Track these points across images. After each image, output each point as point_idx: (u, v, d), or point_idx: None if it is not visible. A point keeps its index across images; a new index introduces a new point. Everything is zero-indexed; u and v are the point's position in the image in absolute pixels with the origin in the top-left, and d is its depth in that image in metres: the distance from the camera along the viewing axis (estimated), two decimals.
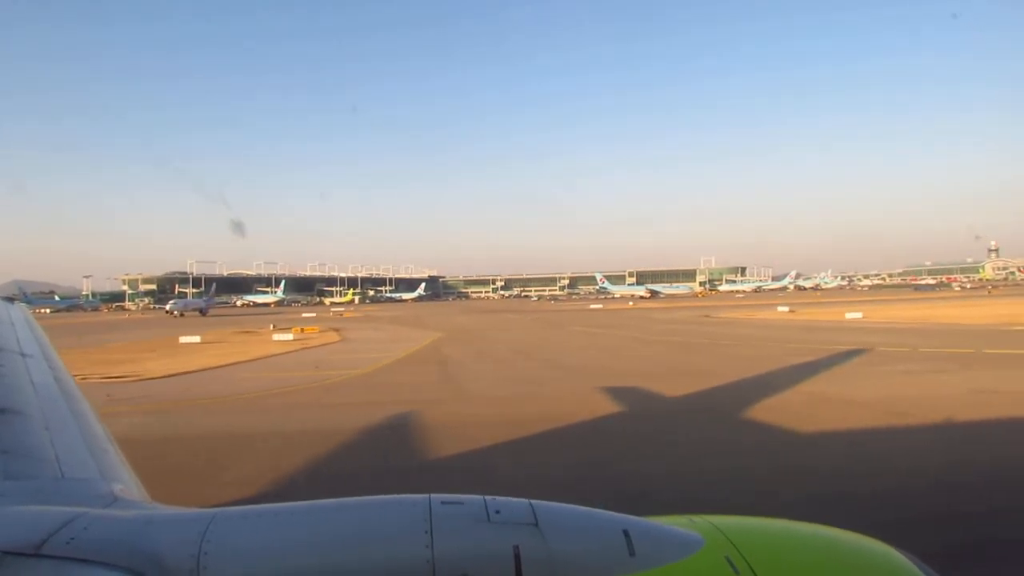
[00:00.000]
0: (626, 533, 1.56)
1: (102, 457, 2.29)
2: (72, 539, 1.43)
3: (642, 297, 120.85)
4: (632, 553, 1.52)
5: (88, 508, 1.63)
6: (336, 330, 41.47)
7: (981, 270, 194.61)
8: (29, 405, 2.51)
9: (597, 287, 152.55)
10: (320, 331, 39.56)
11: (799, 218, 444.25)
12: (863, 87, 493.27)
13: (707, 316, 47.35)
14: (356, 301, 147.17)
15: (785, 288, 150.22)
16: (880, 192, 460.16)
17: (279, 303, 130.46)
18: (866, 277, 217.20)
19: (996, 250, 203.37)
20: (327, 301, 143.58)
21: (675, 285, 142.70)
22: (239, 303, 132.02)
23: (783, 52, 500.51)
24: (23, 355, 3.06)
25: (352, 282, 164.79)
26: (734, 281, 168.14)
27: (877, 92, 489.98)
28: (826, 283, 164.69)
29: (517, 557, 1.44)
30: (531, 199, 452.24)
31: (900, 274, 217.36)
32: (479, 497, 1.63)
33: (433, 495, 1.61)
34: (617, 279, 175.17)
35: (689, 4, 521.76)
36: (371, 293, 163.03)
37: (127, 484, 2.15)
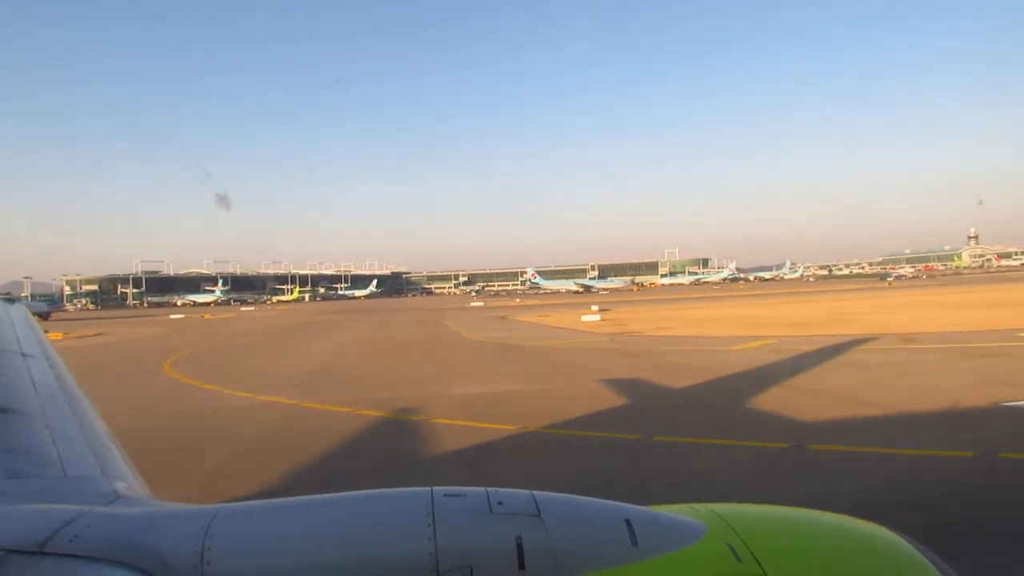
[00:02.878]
0: (628, 522, 1.54)
1: (104, 455, 2.26)
2: (75, 537, 1.41)
3: (575, 292, 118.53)
4: (634, 542, 1.50)
5: (91, 506, 1.62)
6: (101, 334, 40.24)
7: (957, 258, 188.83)
8: (30, 404, 2.52)
9: (529, 282, 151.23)
10: (62, 336, 38.10)
11: (776, 210, 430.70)
12: (856, 81, 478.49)
13: (502, 318, 44.96)
14: (306, 299, 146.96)
15: (737, 280, 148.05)
16: (861, 182, 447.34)
17: (218, 302, 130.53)
18: (847, 266, 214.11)
19: (976, 237, 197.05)
20: (274, 299, 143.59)
21: (610, 279, 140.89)
22: (179, 303, 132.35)
23: (762, 50, 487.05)
24: (24, 355, 3.04)
25: (303, 280, 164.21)
26: (696, 273, 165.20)
27: (870, 83, 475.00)
28: (785, 274, 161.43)
29: (520, 548, 1.42)
30: (499, 195, 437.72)
31: (880, 263, 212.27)
32: (481, 489, 1.60)
33: (435, 487, 1.59)
34: (579, 272, 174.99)
35: (651, 5, 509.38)
36: (321, 291, 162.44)
37: (130, 482, 2.12)
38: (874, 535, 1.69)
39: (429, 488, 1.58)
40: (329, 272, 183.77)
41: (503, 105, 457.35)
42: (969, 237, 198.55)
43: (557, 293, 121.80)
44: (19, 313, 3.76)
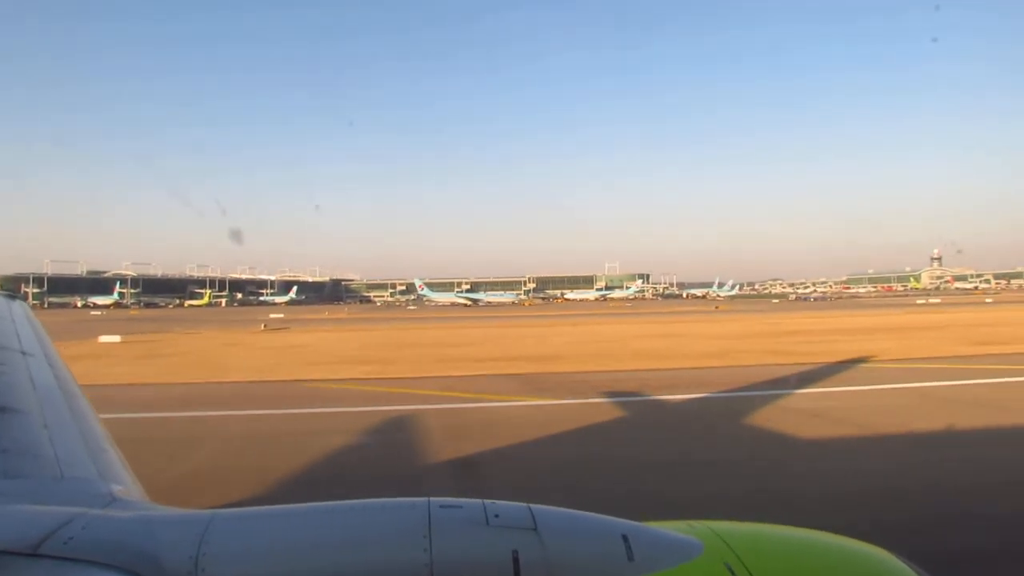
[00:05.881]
0: (625, 538, 1.53)
1: (101, 457, 2.25)
2: (70, 539, 1.40)
3: (465, 305, 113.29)
4: (631, 558, 1.48)
5: (87, 508, 1.60)
6: None
7: (913, 279, 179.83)
8: (29, 404, 2.48)
9: (417, 293, 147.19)
10: None
11: (741, 228, 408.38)
12: (842, 93, 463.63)
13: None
14: (222, 303, 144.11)
15: (673, 296, 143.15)
16: (829, 200, 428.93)
17: (118, 304, 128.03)
18: (813, 284, 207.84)
19: (939, 259, 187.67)
20: (186, 303, 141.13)
21: (501, 293, 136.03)
22: (79, 304, 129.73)
23: (744, 65, 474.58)
24: (24, 353, 2.94)
25: (221, 284, 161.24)
26: (633, 287, 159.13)
27: (859, 95, 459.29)
28: (715, 291, 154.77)
29: (516, 561, 1.41)
30: (441, 206, 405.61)
31: (844, 282, 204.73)
32: (478, 501, 1.59)
33: (432, 498, 1.58)
34: (515, 284, 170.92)
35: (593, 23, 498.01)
36: (239, 296, 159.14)
37: (126, 485, 2.12)
38: (872, 556, 1.66)
39: (426, 499, 1.56)
40: (268, 277, 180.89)
41: (479, 115, 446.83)
42: (932, 258, 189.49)
43: (453, 305, 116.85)
44: (20, 310, 3.61)
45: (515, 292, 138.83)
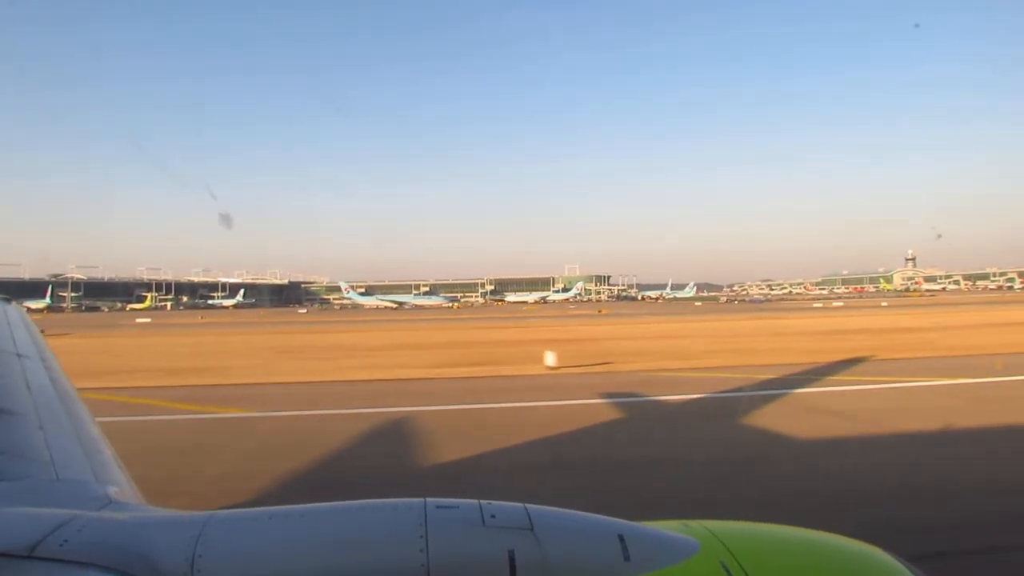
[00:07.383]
0: (621, 538, 1.53)
1: (97, 459, 2.28)
2: (66, 541, 1.39)
3: (391, 308, 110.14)
4: (627, 558, 1.48)
5: (82, 510, 1.60)
6: None
7: (884, 280, 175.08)
8: (24, 406, 2.52)
9: (344, 296, 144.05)
10: None
11: (715, 229, 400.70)
12: (818, 92, 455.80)
13: None
14: (168, 307, 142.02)
15: (576, 298, 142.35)
16: (806, 201, 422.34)
17: (52, 308, 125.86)
18: (790, 285, 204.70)
19: (913, 259, 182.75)
20: (128, 307, 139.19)
21: (430, 296, 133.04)
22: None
23: (722, 67, 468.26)
24: (19, 356, 2.98)
25: (169, 287, 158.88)
26: (573, 290, 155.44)
27: (834, 96, 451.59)
28: (668, 293, 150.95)
29: (512, 561, 1.41)
30: (413, 208, 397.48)
31: (819, 284, 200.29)
32: (474, 501, 1.59)
33: (428, 499, 1.58)
34: (473, 287, 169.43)
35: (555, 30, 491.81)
36: (184, 299, 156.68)
37: (122, 487, 2.12)
38: (867, 555, 1.67)
39: (422, 499, 1.57)
40: (223, 279, 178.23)
41: (454, 117, 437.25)
42: (906, 259, 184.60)
43: (387, 308, 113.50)
44: (16, 313, 3.64)
45: (448, 297, 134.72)
